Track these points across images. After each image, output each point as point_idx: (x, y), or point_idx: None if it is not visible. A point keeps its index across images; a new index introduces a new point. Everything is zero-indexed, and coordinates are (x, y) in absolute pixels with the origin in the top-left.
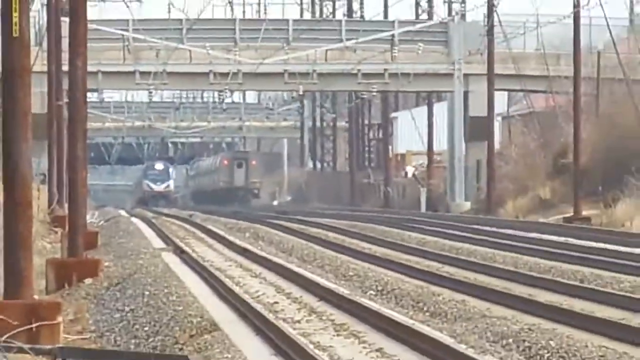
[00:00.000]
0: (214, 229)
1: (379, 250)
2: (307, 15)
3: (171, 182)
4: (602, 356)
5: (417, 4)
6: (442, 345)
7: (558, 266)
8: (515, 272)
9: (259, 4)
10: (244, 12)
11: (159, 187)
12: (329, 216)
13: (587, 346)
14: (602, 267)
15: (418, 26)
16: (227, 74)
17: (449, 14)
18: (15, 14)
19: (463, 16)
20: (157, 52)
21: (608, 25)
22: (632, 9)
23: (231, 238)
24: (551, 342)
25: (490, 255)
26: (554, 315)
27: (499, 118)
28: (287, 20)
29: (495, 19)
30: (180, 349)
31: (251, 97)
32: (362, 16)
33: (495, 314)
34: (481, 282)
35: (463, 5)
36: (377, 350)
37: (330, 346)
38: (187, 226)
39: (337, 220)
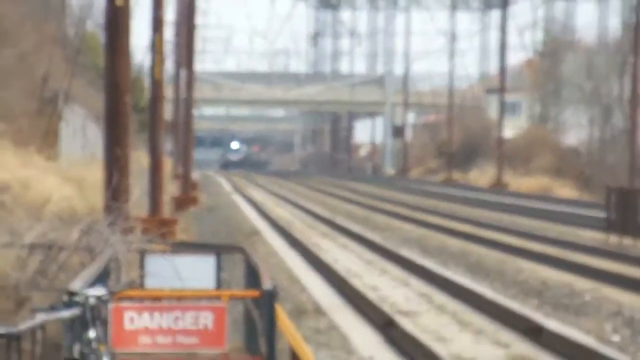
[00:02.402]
0: (261, 181)
1: (344, 194)
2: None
3: (241, 155)
4: (460, 247)
5: (368, 65)
6: (376, 244)
7: (436, 204)
8: (414, 207)
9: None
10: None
11: (234, 157)
12: (318, 175)
13: (454, 245)
14: (459, 202)
15: (368, 77)
16: (268, 101)
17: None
18: (157, 68)
19: (391, 72)
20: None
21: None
22: (481, 70)
23: (265, 185)
24: (434, 242)
25: (401, 197)
26: (434, 229)
27: (410, 125)
28: (298, 74)
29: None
30: (239, 244)
31: (279, 113)
32: (338, 72)
33: (404, 227)
34: (397, 211)
35: (391, 66)
36: (342, 245)
37: (317, 243)
38: (246, 180)
39: (323, 178)
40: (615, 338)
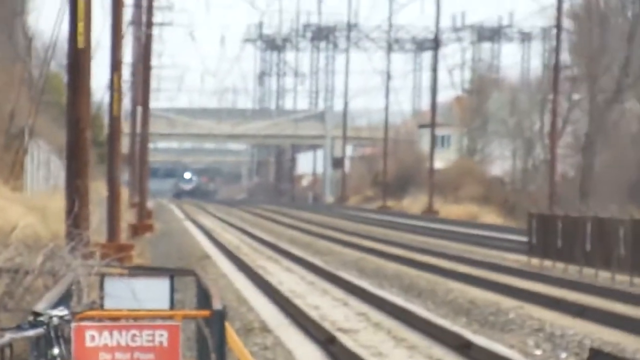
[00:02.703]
0: (210, 209)
1: (288, 221)
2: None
3: (193, 185)
4: (395, 270)
5: (310, 101)
6: (317, 267)
7: (372, 229)
8: (352, 232)
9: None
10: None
11: (187, 186)
12: (263, 204)
13: (389, 267)
14: (393, 228)
15: (310, 113)
16: (217, 135)
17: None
18: (115, 106)
19: (331, 108)
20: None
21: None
22: (414, 106)
23: (215, 212)
24: (370, 265)
25: (339, 223)
26: (371, 253)
27: (349, 157)
28: (245, 110)
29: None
30: (191, 267)
31: (228, 146)
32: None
33: (343, 251)
34: (336, 237)
35: (331, 102)
36: (286, 268)
37: (263, 266)
38: (197, 208)
39: (268, 206)
40: (538, 352)
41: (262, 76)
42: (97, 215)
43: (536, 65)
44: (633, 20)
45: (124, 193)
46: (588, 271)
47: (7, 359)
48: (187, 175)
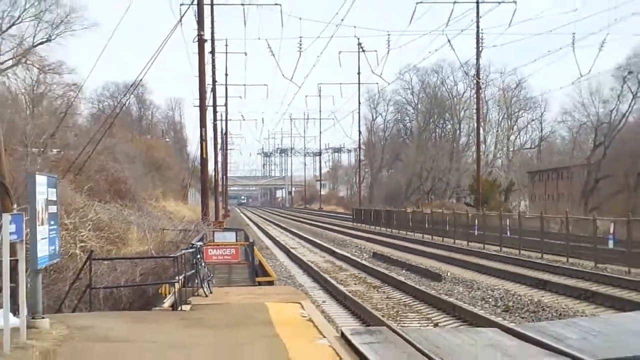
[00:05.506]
0: (249, 209)
1: (274, 212)
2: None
3: (244, 201)
4: (309, 228)
5: (280, 173)
6: (284, 227)
7: (302, 215)
8: (295, 216)
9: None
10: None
11: (242, 201)
12: (265, 207)
13: (307, 227)
14: (308, 214)
15: (281, 177)
16: (250, 185)
17: (285, 175)
18: (217, 176)
19: (287, 175)
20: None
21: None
22: (313, 174)
23: (250, 210)
24: (301, 225)
25: (291, 213)
26: (302, 222)
27: (294, 191)
28: (259, 177)
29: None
30: (242, 227)
31: (253, 188)
32: (271, 175)
33: (292, 222)
34: (290, 215)
35: (287, 174)
36: (274, 228)
37: (267, 227)
38: (244, 209)
39: (267, 208)
40: (357, 253)
41: (264, 165)
42: (211, 211)
43: (352, 161)
44: (383, 145)
45: (219, 204)
46: (376, 227)
47: (182, 259)
48: (243, 198)
